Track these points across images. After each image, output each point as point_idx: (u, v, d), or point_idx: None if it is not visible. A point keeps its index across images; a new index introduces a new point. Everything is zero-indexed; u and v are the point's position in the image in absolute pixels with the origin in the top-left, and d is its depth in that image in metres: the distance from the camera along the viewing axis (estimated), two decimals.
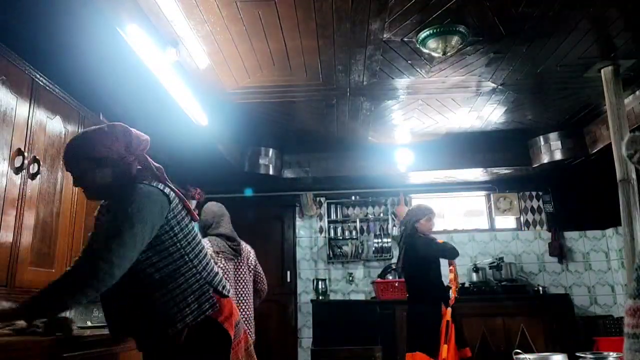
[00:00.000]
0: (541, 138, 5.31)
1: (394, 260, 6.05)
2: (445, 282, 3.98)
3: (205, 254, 1.83)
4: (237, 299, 3.12)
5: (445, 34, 3.08)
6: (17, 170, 2.26)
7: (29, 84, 2.39)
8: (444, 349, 3.64)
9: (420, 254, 3.88)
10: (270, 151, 5.53)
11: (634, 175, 3.39)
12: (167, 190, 1.73)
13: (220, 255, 3.11)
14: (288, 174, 5.73)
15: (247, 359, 1.88)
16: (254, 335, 3.17)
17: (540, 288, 5.69)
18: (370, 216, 6.31)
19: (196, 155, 4.66)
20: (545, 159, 5.30)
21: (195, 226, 1.90)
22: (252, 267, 3.31)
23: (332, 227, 6.27)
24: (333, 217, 6.31)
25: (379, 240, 6.12)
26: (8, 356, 1.61)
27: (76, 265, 1.60)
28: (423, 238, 3.95)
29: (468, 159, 5.61)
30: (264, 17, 2.94)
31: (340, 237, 6.23)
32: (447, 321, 3.74)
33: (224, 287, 1.81)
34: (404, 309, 5.24)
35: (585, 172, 5.58)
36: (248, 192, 6.10)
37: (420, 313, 3.81)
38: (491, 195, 6.30)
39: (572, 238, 6.06)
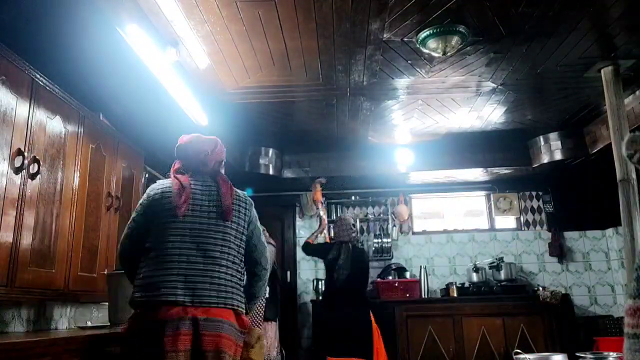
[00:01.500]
0: (541, 138, 5.31)
1: (394, 260, 6.06)
2: None
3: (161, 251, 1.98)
4: None
5: (445, 34, 3.08)
6: (17, 170, 2.26)
7: (29, 84, 2.39)
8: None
9: (367, 265, 4.28)
10: (270, 151, 5.53)
11: (634, 175, 3.39)
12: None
13: None
14: (288, 174, 5.72)
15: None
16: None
17: (540, 288, 5.68)
18: (370, 216, 6.31)
19: None
20: (545, 159, 5.30)
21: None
22: None
23: (332, 227, 6.26)
24: (333, 217, 6.30)
25: (379, 240, 6.12)
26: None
27: None
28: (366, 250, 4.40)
29: (468, 159, 5.61)
30: (264, 17, 2.94)
31: None
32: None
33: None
34: (404, 309, 5.26)
35: (585, 172, 5.58)
36: (248, 192, 6.08)
37: (367, 319, 4.07)
38: (491, 195, 6.30)
39: (572, 238, 6.06)
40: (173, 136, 4.15)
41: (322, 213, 5.05)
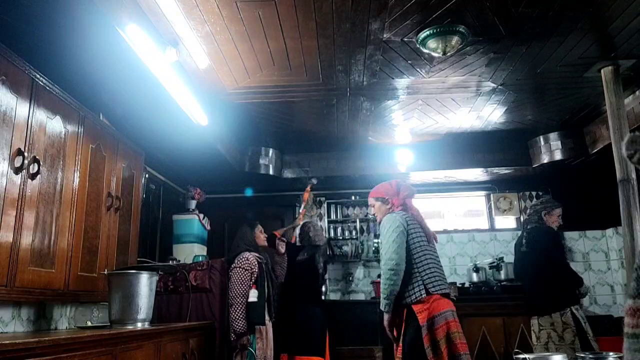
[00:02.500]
0: (541, 138, 5.31)
1: None
2: None
3: (428, 261, 2.78)
4: None
5: (445, 34, 3.08)
6: (17, 170, 2.26)
7: (29, 84, 2.39)
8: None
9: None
10: (270, 151, 5.53)
11: (634, 175, 3.39)
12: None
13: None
14: (288, 174, 5.73)
15: (446, 342, 2.58)
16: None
17: None
18: (370, 216, 6.29)
19: (196, 155, 4.66)
20: (545, 159, 5.30)
21: (420, 238, 2.87)
22: None
23: (332, 227, 6.27)
24: (333, 217, 6.30)
25: (379, 240, 6.09)
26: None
27: None
28: None
29: (468, 159, 5.61)
30: (264, 17, 2.94)
31: (340, 237, 6.23)
32: None
33: (433, 286, 2.69)
34: None
35: (585, 172, 5.58)
36: (248, 192, 6.10)
37: (317, 315, 4.30)
38: (491, 195, 6.30)
39: (572, 238, 6.06)
40: (173, 136, 4.20)
41: (302, 213, 5.14)
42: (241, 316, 3.59)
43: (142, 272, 2.95)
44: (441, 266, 2.87)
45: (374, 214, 3.17)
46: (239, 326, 3.56)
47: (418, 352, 2.57)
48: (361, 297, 6.03)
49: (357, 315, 5.33)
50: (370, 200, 3.14)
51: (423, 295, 2.65)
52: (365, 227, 6.30)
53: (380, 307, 2.79)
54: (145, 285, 2.90)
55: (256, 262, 3.81)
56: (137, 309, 2.82)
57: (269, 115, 4.56)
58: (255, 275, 3.76)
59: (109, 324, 2.90)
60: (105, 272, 2.95)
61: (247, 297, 3.67)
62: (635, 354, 1.10)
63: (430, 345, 2.57)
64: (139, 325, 2.82)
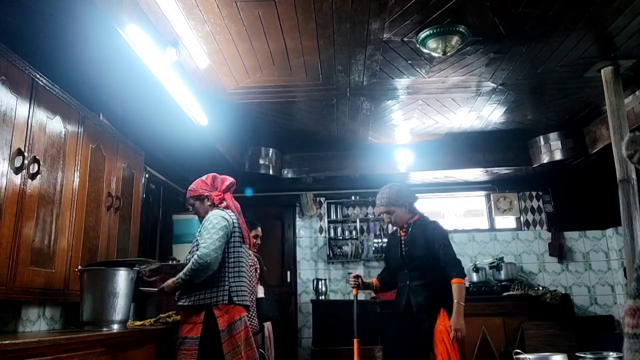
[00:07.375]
0: (541, 138, 5.32)
1: None
2: None
3: (239, 268, 2.68)
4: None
5: (445, 34, 3.08)
6: (17, 170, 2.26)
7: (29, 84, 2.39)
8: None
9: None
10: (270, 151, 5.53)
11: (634, 175, 3.39)
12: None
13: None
14: (288, 174, 5.73)
15: (246, 347, 2.60)
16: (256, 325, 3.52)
17: (540, 288, 5.68)
18: (370, 216, 6.30)
19: (196, 155, 4.66)
20: (545, 159, 5.30)
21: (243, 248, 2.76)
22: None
23: (332, 227, 6.27)
24: (333, 217, 6.30)
25: (379, 240, 6.11)
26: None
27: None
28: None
29: (468, 159, 5.61)
30: (264, 17, 2.94)
31: (340, 237, 6.23)
32: None
33: (237, 297, 2.61)
34: None
35: (585, 172, 5.58)
36: (248, 192, 6.10)
37: None
38: (491, 195, 6.30)
39: (572, 238, 6.06)
40: (173, 136, 4.20)
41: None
42: (253, 314, 3.36)
43: (120, 268, 2.63)
44: (248, 274, 2.83)
45: (194, 213, 2.87)
46: (252, 325, 3.29)
47: (216, 357, 2.48)
48: (361, 297, 6.01)
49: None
50: (189, 200, 2.84)
51: (225, 302, 2.56)
52: (365, 227, 6.29)
53: (174, 281, 2.56)
54: (122, 282, 2.58)
55: (256, 259, 3.66)
56: (113, 308, 2.53)
57: (269, 115, 4.56)
58: (259, 272, 3.61)
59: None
60: (78, 269, 2.64)
61: (256, 294, 3.48)
62: (635, 354, 1.10)
63: (231, 350, 2.51)
64: (115, 327, 2.53)
